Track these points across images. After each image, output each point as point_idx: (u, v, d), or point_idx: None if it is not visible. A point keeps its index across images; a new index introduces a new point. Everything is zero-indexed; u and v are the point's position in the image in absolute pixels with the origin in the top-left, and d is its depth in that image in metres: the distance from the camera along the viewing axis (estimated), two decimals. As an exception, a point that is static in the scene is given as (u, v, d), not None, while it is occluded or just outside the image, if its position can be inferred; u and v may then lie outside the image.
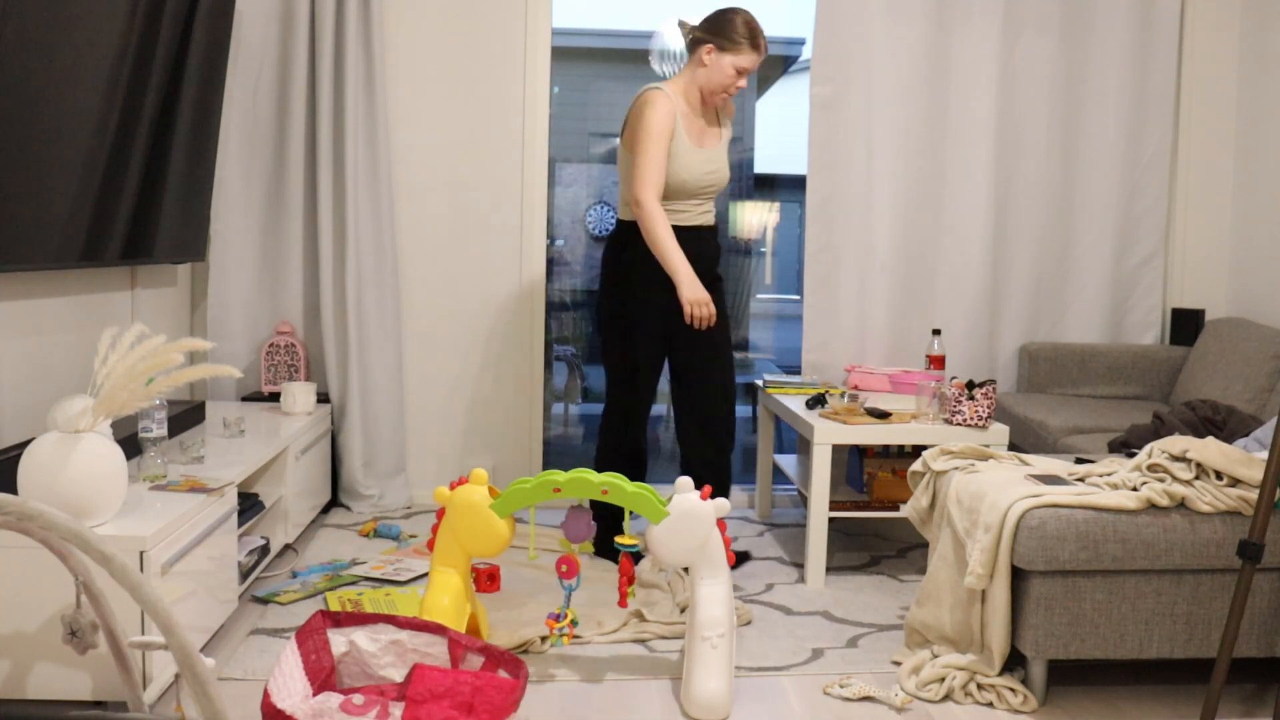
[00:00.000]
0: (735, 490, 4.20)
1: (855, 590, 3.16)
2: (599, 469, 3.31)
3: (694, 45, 3.15)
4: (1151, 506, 2.36)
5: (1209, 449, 2.41)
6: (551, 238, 4.61)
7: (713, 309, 3.07)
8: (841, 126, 3.91)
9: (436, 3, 3.90)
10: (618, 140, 2.96)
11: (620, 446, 3.28)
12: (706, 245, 3.25)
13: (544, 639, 2.66)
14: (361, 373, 3.81)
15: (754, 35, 3.09)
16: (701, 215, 3.23)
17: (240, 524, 2.83)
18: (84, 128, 2.57)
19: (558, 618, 2.46)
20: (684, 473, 3.31)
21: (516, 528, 2.97)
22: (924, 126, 3.94)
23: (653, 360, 3.22)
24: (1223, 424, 3.08)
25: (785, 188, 5.52)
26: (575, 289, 5.09)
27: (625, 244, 3.16)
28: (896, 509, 3.28)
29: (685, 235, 3.16)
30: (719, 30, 3.10)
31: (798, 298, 5.65)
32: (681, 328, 3.19)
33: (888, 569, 3.38)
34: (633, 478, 3.31)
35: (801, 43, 5.44)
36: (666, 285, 3.11)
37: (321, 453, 3.66)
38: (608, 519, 3.34)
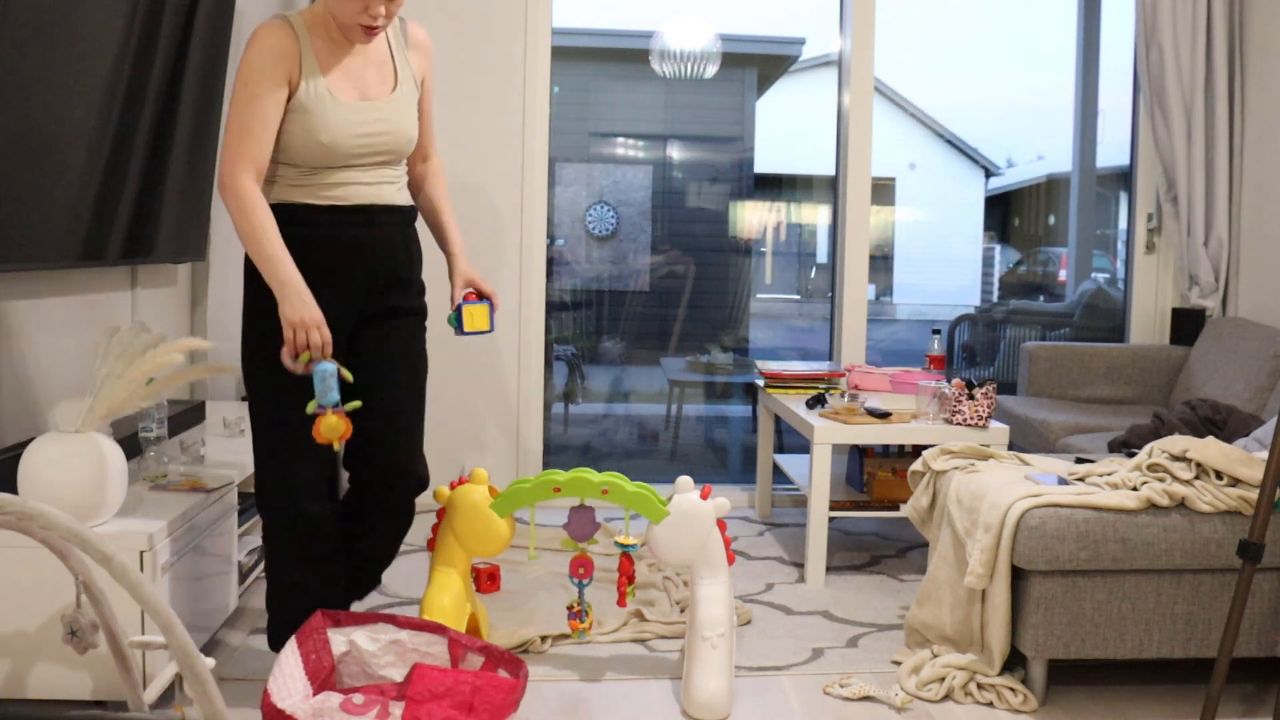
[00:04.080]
0: (735, 490, 4.20)
1: (855, 590, 3.16)
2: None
3: None
4: (1151, 506, 2.36)
5: (1209, 449, 2.41)
6: (551, 238, 4.60)
7: (326, 333, 2.12)
8: None
9: (437, 3, 3.90)
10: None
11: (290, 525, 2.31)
12: (380, 232, 2.30)
13: (544, 638, 2.66)
14: (361, 373, 3.81)
15: None
16: (369, 189, 2.28)
17: (240, 524, 2.83)
18: (84, 127, 2.57)
19: (581, 616, 2.46)
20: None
21: (516, 527, 2.96)
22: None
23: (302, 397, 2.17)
24: (1223, 424, 3.08)
25: (786, 188, 5.51)
26: (575, 289, 5.08)
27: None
28: (896, 509, 3.28)
29: (338, 217, 2.25)
30: None
31: (797, 297, 5.66)
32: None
33: (888, 569, 3.38)
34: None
35: (802, 42, 5.43)
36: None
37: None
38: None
